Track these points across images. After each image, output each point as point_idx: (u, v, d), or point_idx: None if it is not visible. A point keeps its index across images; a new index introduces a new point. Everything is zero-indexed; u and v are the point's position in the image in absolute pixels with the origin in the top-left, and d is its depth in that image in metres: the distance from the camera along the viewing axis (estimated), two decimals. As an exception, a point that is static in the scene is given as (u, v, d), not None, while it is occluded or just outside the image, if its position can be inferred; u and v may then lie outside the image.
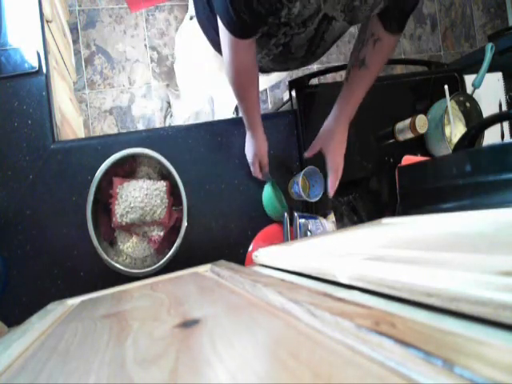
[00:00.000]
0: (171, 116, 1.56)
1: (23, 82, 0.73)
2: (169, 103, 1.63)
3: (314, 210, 0.84)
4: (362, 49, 0.68)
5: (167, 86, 1.69)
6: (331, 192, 0.75)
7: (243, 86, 0.68)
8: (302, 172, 0.78)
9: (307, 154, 0.78)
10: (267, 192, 0.80)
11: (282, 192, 0.82)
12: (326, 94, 0.74)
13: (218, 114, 1.32)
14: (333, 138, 0.73)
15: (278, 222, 0.82)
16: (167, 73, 1.72)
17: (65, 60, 1.33)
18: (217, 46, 0.79)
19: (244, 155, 0.81)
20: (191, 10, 0.91)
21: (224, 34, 0.60)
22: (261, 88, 1.29)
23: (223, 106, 1.34)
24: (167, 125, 1.60)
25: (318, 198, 0.79)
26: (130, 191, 0.67)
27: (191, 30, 0.89)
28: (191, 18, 0.89)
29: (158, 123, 1.70)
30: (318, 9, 0.56)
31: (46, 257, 0.70)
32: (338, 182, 0.75)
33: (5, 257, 0.68)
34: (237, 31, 0.58)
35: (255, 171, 0.79)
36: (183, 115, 1.42)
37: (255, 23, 0.57)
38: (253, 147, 0.76)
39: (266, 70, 0.83)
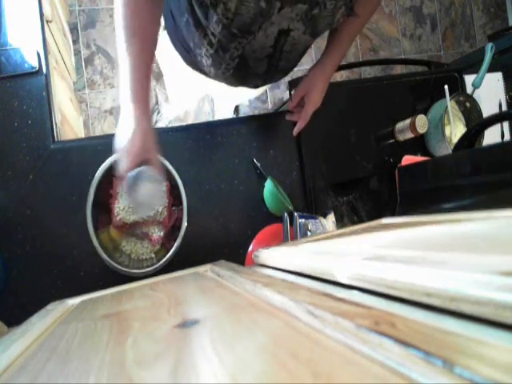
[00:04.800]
0: (158, 113, 1.55)
1: (23, 81, 0.73)
2: (157, 100, 1.62)
3: (314, 209, 0.84)
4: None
5: (156, 83, 1.67)
6: (295, 132, 0.76)
7: (138, 27, 0.53)
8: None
9: (291, 105, 0.77)
10: (269, 188, 0.79)
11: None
12: (326, 94, 0.74)
13: (218, 114, 1.31)
14: (316, 86, 0.73)
15: (277, 222, 0.82)
16: (155, 72, 1.72)
17: (65, 60, 1.33)
18: (185, 58, 0.76)
19: (243, 155, 0.80)
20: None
21: None
22: (239, 101, 1.26)
23: (223, 106, 1.34)
24: (153, 122, 1.59)
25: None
26: (130, 191, 0.67)
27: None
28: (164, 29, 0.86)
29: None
30: (259, 11, 0.51)
31: (46, 257, 0.70)
32: (303, 126, 0.76)
33: (5, 257, 0.68)
34: None
35: (126, 168, 0.54)
36: (170, 115, 1.41)
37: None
38: (132, 134, 0.53)
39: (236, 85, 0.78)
